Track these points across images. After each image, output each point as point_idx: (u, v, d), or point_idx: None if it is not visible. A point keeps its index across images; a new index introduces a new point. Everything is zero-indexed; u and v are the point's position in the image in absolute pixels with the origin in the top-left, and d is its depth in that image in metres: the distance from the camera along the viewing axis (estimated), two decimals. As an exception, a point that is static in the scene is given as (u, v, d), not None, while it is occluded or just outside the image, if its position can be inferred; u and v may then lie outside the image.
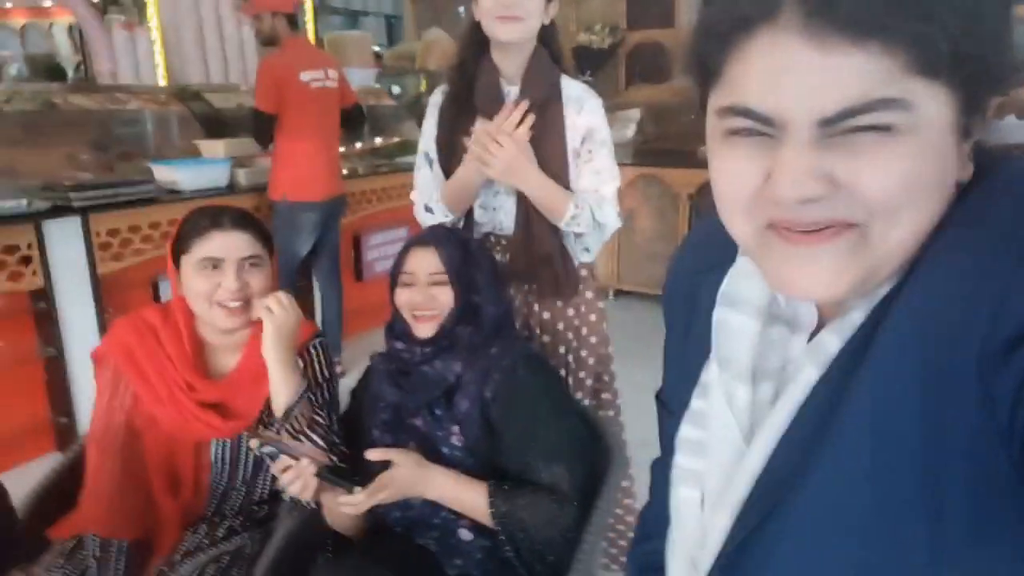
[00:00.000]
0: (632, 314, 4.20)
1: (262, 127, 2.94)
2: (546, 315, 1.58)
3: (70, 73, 4.94)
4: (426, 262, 1.26)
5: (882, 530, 0.44)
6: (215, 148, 3.13)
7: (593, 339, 1.62)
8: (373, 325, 3.93)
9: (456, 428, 1.21)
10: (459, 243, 1.31)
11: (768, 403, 0.54)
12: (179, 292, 1.29)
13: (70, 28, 5.04)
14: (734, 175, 0.48)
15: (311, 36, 6.07)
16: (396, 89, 5.76)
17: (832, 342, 0.49)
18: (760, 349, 0.55)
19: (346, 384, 1.46)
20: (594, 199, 1.47)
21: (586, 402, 1.62)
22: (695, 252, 0.68)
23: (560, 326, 1.58)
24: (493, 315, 1.28)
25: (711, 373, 0.59)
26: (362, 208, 3.69)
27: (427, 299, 1.25)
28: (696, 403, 0.61)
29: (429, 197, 1.56)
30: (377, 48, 6.21)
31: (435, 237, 1.30)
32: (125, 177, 3.00)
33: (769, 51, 0.43)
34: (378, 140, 4.47)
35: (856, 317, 0.48)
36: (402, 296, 1.27)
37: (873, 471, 0.44)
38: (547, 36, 1.48)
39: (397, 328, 1.31)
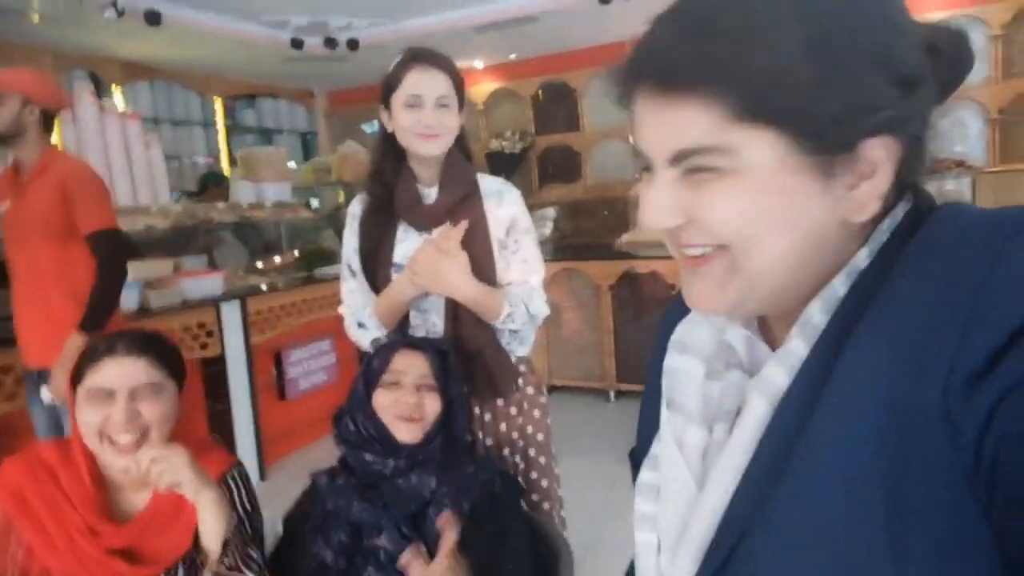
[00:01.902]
0: (566, 408, 4.16)
1: (126, 250, 2.32)
2: (487, 416, 1.53)
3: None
4: (416, 365, 1.27)
5: (848, 569, 0.44)
6: (123, 272, 2.99)
7: (540, 436, 1.58)
8: (299, 446, 3.76)
9: (423, 549, 1.14)
10: (440, 352, 1.32)
11: (723, 444, 0.54)
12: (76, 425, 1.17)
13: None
14: (642, 206, 0.55)
15: (225, 155, 6.09)
16: (315, 202, 5.78)
17: (778, 374, 0.50)
18: (717, 394, 0.57)
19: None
20: (524, 291, 1.48)
21: (543, 505, 1.56)
22: (672, 309, 0.70)
23: (503, 426, 1.53)
24: (462, 429, 1.28)
25: (662, 419, 0.61)
26: (281, 323, 3.58)
27: (418, 402, 1.24)
28: (653, 448, 0.63)
29: (360, 312, 1.52)
30: (292, 163, 6.26)
31: (423, 342, 1.32)
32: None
33: (638, 108, 0.52)
34: (296, 252, 4.41)
35: (797, 348, 0.50)
36: (386, 397, 1.24)
37: (838, 509, 0.44)
38: (458, 138, 1.52)
39: (363, 436, 1.24)
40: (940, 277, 0.43)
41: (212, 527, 1.12)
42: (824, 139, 0.46)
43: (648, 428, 0.67)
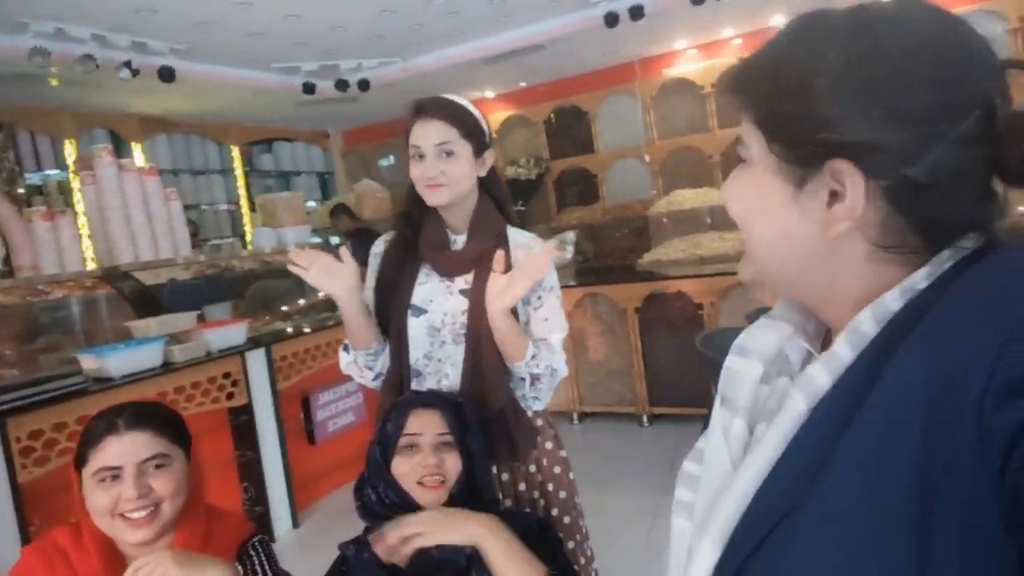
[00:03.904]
0: (599, 435, 4.08)
1: None
2: (504, 476, 1.46)
3: (-2, 267, 4.83)
4: (432, 423, 1.21)
5: (872, 566, 0.44)
6: (147, 327, 3.01)
7: (563, 494, 1.50)
8: (330, 490, 3.73)
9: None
10: (454, 406, 1.26)
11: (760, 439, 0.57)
12: (85, 507, 1.14)
13: (-3, 224, 4.96)
14: None
15: (245, 200, 6.16)
16: (335, 240, 5.82)
17: (820, 374, 0.52)
18: (765, 395, 0.61)
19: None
20: (544, 347, 1.42)
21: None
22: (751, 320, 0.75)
23: (522, 487, 1.46)
24: (486, 482, 1.20)
25: (714, 414, 0.64)
26: (307, 367, 3.57)
27: (438, 463, 1.17)
28: (699, 442, 0.66)
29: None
30: (312, 203, 6.32)
31: (436, 398, 1.26)
32: (51, 369, 2.84)
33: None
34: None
35: (842, 353, 0.52)
36: (405, 464, 1.18)
37: (871, 506, 0.45)
38: (490, 185, 1.50)
39: (386, 504, 1.17)
40: (992, 298, 0.45)
41: None
42: (790, 148, 0.53)
43: None
